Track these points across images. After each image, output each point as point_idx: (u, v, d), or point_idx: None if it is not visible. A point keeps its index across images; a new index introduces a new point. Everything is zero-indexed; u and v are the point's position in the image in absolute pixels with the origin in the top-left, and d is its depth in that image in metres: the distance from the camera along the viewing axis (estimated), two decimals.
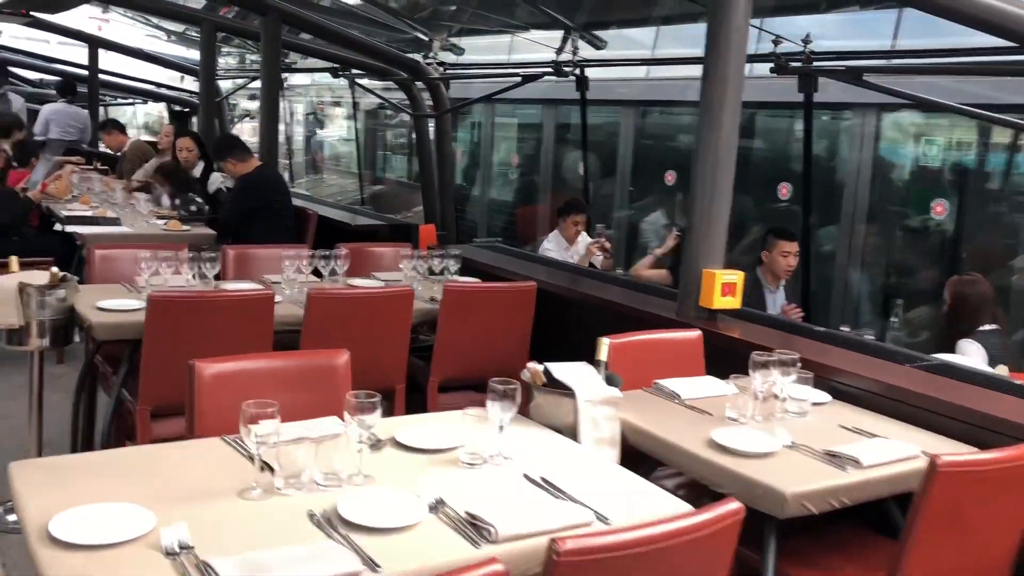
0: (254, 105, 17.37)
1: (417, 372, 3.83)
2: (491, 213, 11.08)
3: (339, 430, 2.14)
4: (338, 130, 17.46)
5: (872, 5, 5.69)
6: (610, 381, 2.50)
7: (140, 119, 21.92)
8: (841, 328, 4.94)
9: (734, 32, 3.37)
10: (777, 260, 5.15)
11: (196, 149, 6.80)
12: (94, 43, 12.21)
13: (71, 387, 4.36)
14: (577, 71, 7.26)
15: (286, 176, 18.74)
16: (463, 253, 4.51)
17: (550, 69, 7.31)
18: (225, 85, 15.53)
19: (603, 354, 2.53)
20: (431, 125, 9.54)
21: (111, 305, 3.36)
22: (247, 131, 18.31)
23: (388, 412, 3.68)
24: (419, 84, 9.04)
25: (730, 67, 3.39)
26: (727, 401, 2.57)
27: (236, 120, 15.59)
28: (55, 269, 3.34)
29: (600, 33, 7.45)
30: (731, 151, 3.46)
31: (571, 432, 2.38)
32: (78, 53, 14.23)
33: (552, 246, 6.50)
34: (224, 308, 3.23)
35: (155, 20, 13.97)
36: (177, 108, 15.82)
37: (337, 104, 17.10)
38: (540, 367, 2.46)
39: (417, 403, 3.80)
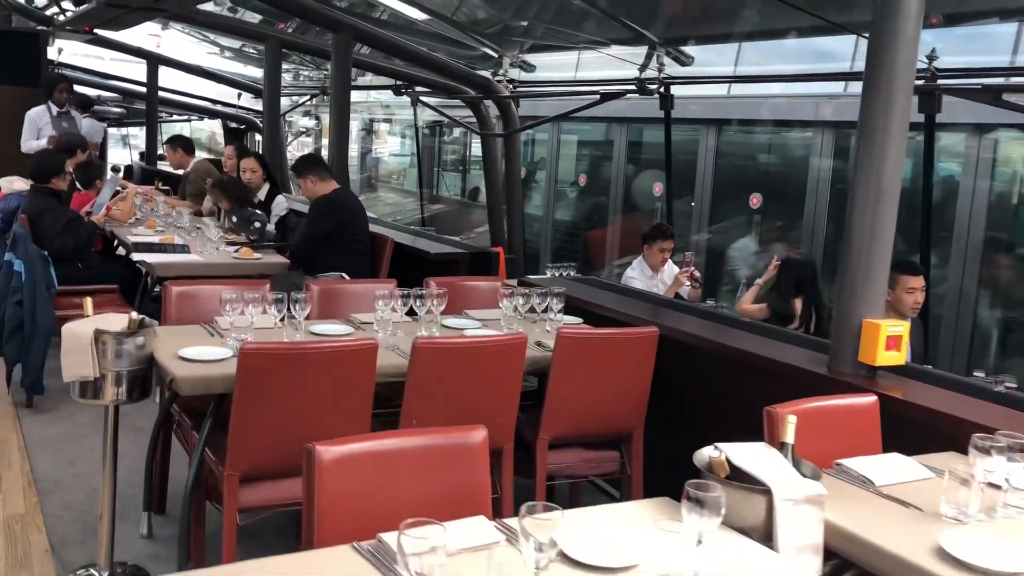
0: (309, 122, 17.25)
1: (521, 427, 3.43)
2: (555, 235, 10.70)
3: (493, 538, 1.75)
4: (392, 147, 17.23)
5: (1015, 17, 5.20)
6: (798, 467, 2.08)
7: (193, 136, 21.99)
8: (975, 374, 4.45)
9: (902, 45, 2.93)
10: (903, 298, 4.67)
11: (260, 170, 6.50)
12: (153, 59, 12.09)
13: (139, 425, 4.04)
14: (661, 88, 6.85)
15: None
16: (546, 283, 4.13)
17: (632, 87, 6.91)
18: (282, 102, 15.41)
19: (789, 435, 2.10)
20: (494, 143, 9.23)
21: (195, 354, 3.01)
22: (301, 148, 18.16)
23: (497, 476, 3.28)
24: (486, 102, 8.72)
25: (896, 86, 2.95)
26: (942, 494, 2.12)
27: (292, 138, 15.42)
28: (134, 314, 2.99)
29: (686, 49, 7.03)
30: (895, 183, 3.02)
31: (762, 534, 1.95)
32: (130, 69, 14.22)
33: (636, 274, 6.08)
34: (324, 361, 2.86)
35: (211, 36, 13.87)
36: (233, 125, 15.74)
37: (388, 121, 16.88)
38: (722, 455, 2.04)
39: (523, 461, 3.40)
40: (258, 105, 14.90)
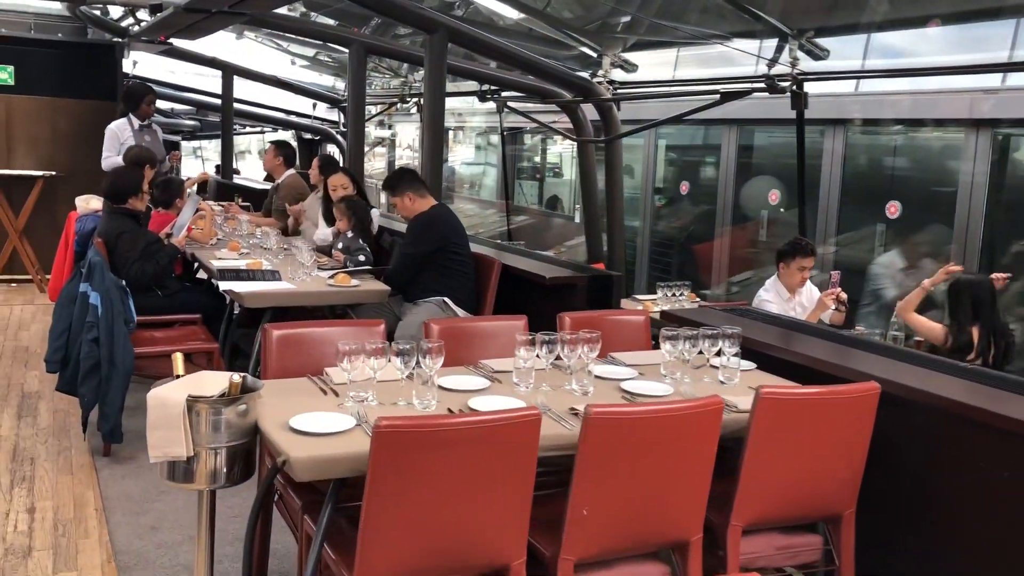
0: (383, 132, 16.80)
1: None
2: (653, 248, 9.94)
3: None
4: (464, 155, 16.68)
5: None
6: None
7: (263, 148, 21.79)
8: None
9: None
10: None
11: (351, 187, 5.91)
12: (228, 70, 11.70)
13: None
14: (793, 86, 6.07)
15: None
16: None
17: (760, 84, 6.15)
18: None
19: None
20: (591, 150, 8.54)
21: (310, 424, 2.38)
22: (373, 160, 17.71)
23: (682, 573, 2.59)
24: (583, 105, 8.05)
25: None
26: None
27: (371, 148, 14.97)
28: (235, 377, 2.38)
29: (821, 41, 6.24)
30: None
31: None
32: (203, 82, 13.92)
33: (771, 296, 5.34)
34: (478, 438, 2.21)
35: (283, 44, 13.49)
36: (307, 136, 15.36)
37: (460, 128, 16.33)
38: None
39: (705, 551, 2.69)
40: (332, 115, 14.49)
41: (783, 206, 8.26)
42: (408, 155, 17.34)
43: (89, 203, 6.71)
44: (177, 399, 2.26)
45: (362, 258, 5.21)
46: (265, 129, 16.95)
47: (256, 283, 4.61)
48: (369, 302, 4.80)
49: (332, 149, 16.03)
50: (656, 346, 3.82)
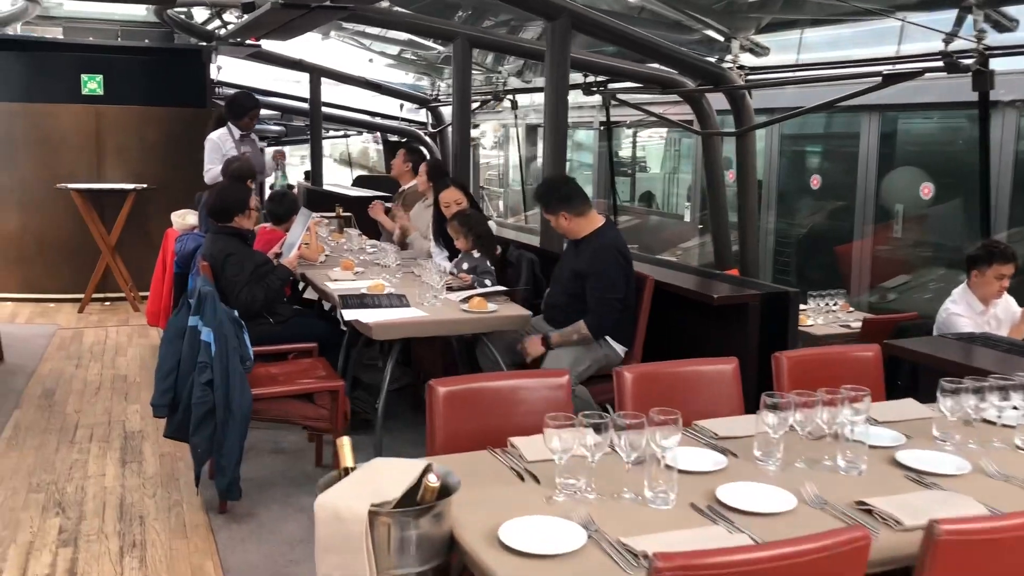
0: (473, 132, 16.25)
1: None
2: (776, 250, 9.11)
3: None
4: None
5: None
6: None
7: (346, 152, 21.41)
8: None
9: None
10: None
11: (465, 201, 5.26)
12: (316, 72, 11.28)
13: None
14: (978, 64, 5.23)
15: (499, 206, 17.50)
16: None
17: (937, 63, 5.33)
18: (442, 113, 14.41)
19: None
20: (718, 145, 7.77)
21: (526, 537, 1.74)
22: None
23: None
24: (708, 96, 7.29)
25: None
26: None
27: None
28: (431, 478, 1.75)
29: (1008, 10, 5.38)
30: None
31: None
32: (286, 87, 13.57)
33: (962, 310, 4.54)
34: (789, 572, 1.53)
35: (366, 43, 13.02)
36: (393, 138, 14.88)
37: (541, 126, 15.68)
38: None
39: None
40: (420, 116, 13.98)
41: (934, 200, 7.38)
42: (490, 155, 16.77)
43: (185, 219, 6.26)
44: (358, 513, 1.64)
45: (488, 282, 4.58)
46: (349, 133, 16.57)
47: (383, 311, 4.02)
48: (509, 328, 4.17)
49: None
50: (895, 387, 3.10)
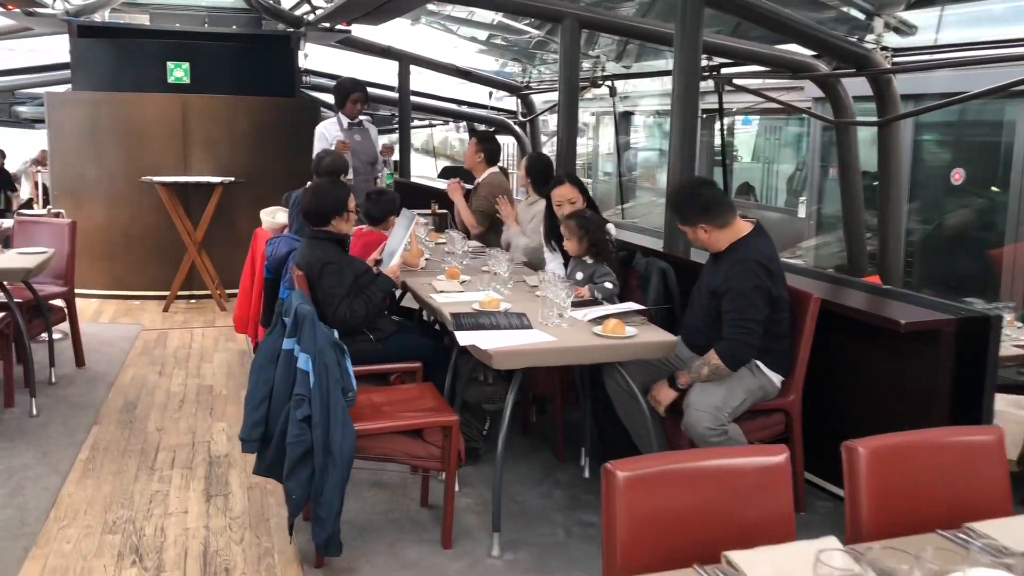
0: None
1: None
2: (908, 251, 8.24)
3: None
4: (636, 141, 15.26)
5: None
6: None
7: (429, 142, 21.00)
8: None
9: None
10: None
11: (580, 199, 4.63)
12: (404, 59, 10.81)
13: None
14: None
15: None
16: None
17: None
18: (535, 101, 13.80)
19: None
20: (853, 135, 6.97)
21: None
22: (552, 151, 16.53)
23: None
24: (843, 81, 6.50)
25: None
26: None
27: (545, 139, 13.82)
28: None
29: None
30: None
31: None
32: (372, 76, 13.13)
33: None
34: None
35: (453, 28, 12.49)
36: (481, 128, 14.35)
37: (630, 113, 14.90)
38: None
39: None
40: (510, 104, 13.40)
41: None
42: (582, 143, 16.09)
43: (275, 217, 5.81)
44: None
45: (609, 285, 3.97)
46: (434, 122, 16.12)
47: (503, 334, 3.43)
48: (651, 357, 3.55)
49: (507, 141, 14.98)
50: None
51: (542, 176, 5.54)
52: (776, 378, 3.61)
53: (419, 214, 6.78)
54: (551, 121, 14.24)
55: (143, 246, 7.85)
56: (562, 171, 5.00)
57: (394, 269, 4.13)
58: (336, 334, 3.44)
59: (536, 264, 5.33)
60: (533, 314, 3.71)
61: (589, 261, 4.20)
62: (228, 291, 7.53)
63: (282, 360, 3.33)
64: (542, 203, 5.41)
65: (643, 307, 3.74)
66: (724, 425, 3.44)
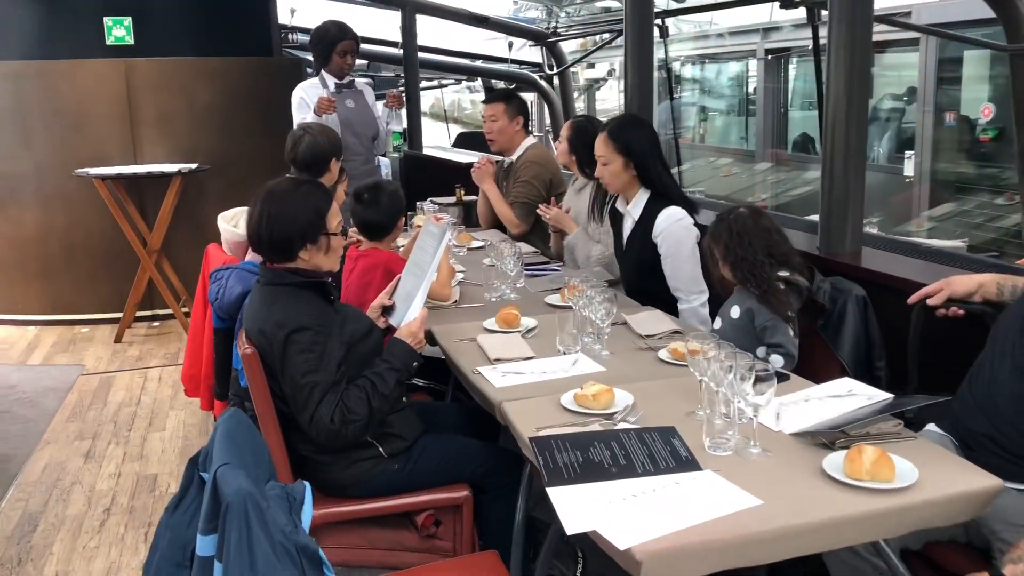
0: (594, 73, 13.69)
1: None
2: None
3: None
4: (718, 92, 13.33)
5: None
6: None
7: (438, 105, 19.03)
8: None
9: None
10: None
11: (620, 161, 2.95)
12: (409, 7, 8.96)
13: None
14: None
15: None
16: None
17: None
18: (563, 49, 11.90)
19: None
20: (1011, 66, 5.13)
21: None
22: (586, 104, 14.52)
23: None
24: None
25: None
26: None
27: (578, 94, 11.97)
28: None
29: None
30: None
31: None
32: (370, 31, 11.27)
33: None
34: None
35: None
36: (500, 86, 12.46)
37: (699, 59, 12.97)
38: None
39: None
40: (535, 56, 11.49)
41: None
42: (607, 97, 14.16)
43: (240, 224, 4.03)
44: None
45: (780, 361, 2.30)
46: (444, 82, 14.23)
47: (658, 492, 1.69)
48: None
49: (531, 99, 13.09)
50: None
51: (592, 150, 3.81)
52: None
53: (438, 204, 5.06)
54: (581, 75, 12.38)
55: (89, 257, 6.13)
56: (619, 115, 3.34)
57: (416, 330, 2.39)
58: (310, 505, 1.71)
59: (615, 277, 3.63)
60: (674, 411, 1.96)
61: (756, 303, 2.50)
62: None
63: (196, 571, 1.62)
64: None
65: (903, 403, 1.96)
66: None
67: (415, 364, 2.34)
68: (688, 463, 1.77)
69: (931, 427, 2.18)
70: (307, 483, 1.76)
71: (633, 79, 4.76)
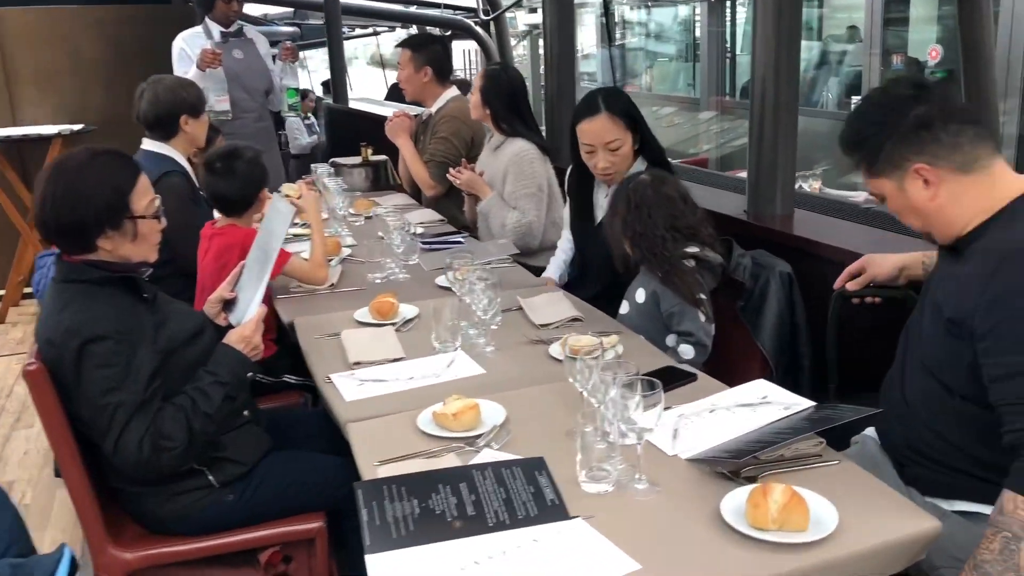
0: (538, 17, 13.09)
1: None
2: None
3: None
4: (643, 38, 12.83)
5: None
6: None
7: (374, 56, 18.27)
8: None
9: None
10: None
11: (629, 143, 2.55)
12: None
13: None
14: None
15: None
16: None
17: None
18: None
19: None
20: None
21: None
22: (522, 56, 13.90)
23: None
24: None
25: None
26: None
27: (515, 42, 11.41)
28: None
29: None
30: None
31: None
32: None
33: None
34: None
35: None
36: (436, 33, 11.86)
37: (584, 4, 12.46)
38: None
39: None
40: (470, 2, 10.89)
41: None
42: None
43: None
44: None
45: (690, 352, 1.98)
46: (379, 30, 13.56)
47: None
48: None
49: (467, 48, 12.51)
50: None
51: (510, 102, 3.38)
52: None
53: (340, 165, 4.58)
54: (520, 20, 11.81)
55: None
56: (597, 90, 2.78)
57: (249, 334, 1.96)
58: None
59: (531, 249, 3.26)
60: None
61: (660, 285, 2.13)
62: None
63: None
64: (518, 144, 3.31)
65: (826, 417, 1.60)
66: None
67: (249, 375, 1.93)
68: (553, 510, 1.39)
69: (869, 432, 1.83)
70: (67, 548, 1.36)
71: (552, 21, 4.31)
